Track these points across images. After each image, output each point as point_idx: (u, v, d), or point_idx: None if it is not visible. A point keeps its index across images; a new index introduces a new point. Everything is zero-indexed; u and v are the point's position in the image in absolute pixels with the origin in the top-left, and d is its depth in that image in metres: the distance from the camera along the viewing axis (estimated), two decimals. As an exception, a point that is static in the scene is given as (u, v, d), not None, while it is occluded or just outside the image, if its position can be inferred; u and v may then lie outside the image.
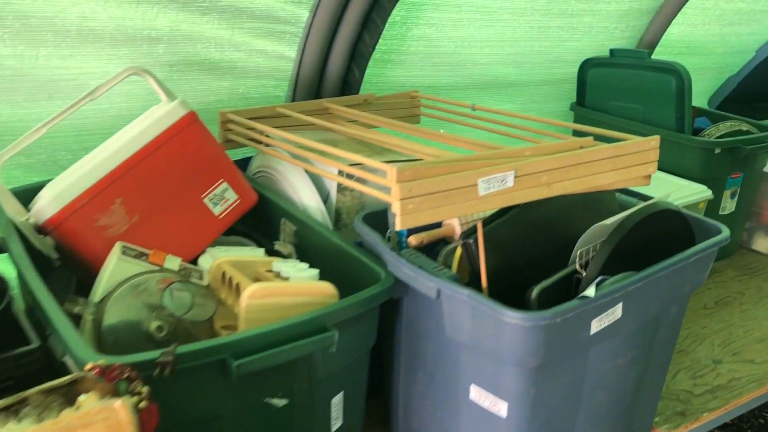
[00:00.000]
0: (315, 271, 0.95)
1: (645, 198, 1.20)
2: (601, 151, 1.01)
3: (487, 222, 0.93)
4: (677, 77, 1.68)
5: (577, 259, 0.93)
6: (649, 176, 1.09)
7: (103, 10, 1.17)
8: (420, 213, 0.86)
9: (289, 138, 1.14)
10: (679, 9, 1.97)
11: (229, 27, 1.31)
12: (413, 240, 0.99)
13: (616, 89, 1.86)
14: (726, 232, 1.06)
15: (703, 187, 1.64)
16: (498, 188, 0.92)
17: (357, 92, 1.54)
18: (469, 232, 0.92)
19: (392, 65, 1.62)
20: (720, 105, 2.37)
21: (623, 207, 1.16)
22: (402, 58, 1.62)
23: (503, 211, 0.96)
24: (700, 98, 2.41)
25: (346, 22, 1.42)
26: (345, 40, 1.44)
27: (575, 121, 2.00)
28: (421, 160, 1.20)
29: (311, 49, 1.44)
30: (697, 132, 1.81)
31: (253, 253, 1.12)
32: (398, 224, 0.85)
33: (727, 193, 1.77)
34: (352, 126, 1.39)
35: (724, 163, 1.71)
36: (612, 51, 1.84)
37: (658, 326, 1.03)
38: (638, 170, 1.07)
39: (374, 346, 0.99)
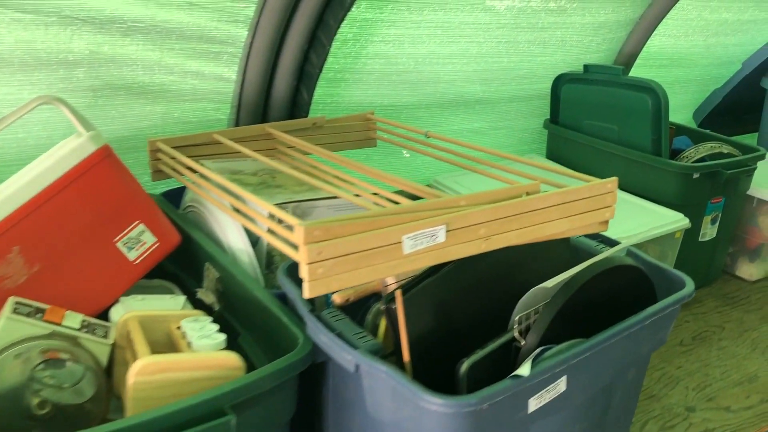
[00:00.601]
0: (221, 338, 0.84)
1: (608, 241, 1.10)
2: (549, 197, 0.91)
3: (416, 281, 0.82)
4: (653, 96, 1.57)
5: (516, 325, 0.82)
6: (605, 222, 0.99)
7: (8, 32, 1.06)
8: (333, 278, 0.76)
9: (209, 176, 1.03)
10: (660, 20, 1.86)
11: (156, 48, 1.20)
12: (337, 298, 0.88)
13: (590, 107, 1.75)
14: (690, 286, 0.95)
15: (680, 216, 1.53)
16: (427, 245, 0.81)
17: (306, 114, 1.43)
18: (393, 295, 0.81)
19: (347, 84, 1.51)
20: (705, 118, 2.26)
21: (581, 252, 1.06)
22: (357, 77, 1.51)
23: (437, 268, 0.85)
24: (684, 111, 2.30)
25: (290, 42, 1.31)
26: (290, 60, 1.33)
27: (548, 140, 1.89)
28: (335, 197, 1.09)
29: (253, 69, 1.33)
30: (675, 153, 1.71)
31: (172, 303, 1.01)
32: (306, 291, 0.74)
33: (708, 218, 1.67)
34: (293, 153, 1.28)
35: (704, 188, 1.60)
36: (586, 66, 1.73)
37: (612, 393, 0.92)
38: (593, 216, 0.96)
39: (302, 409, 0.89)
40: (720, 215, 1.69)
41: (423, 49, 1.53)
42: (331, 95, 1.51)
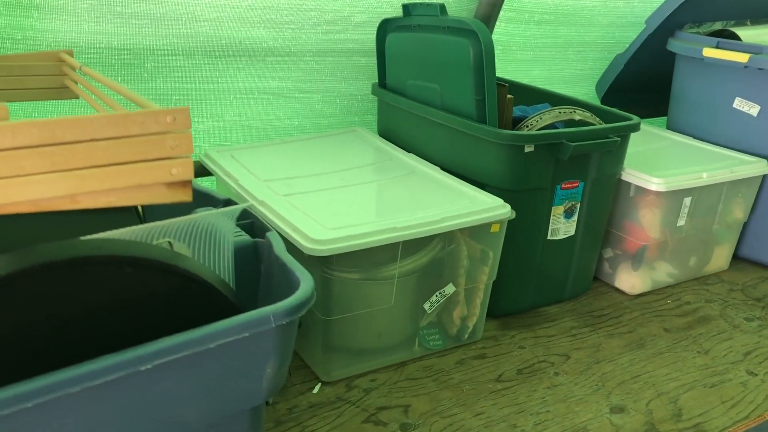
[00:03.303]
0: None
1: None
2: (16, 130, 0.49)
3: None
4: (474, 42, 1.15)
5: None
6: (185, 184, 0.57)
7: None
8: None
9: None
10: (524, -43, 1.45)
11: None
12: None
13: (413, 62, 1.33)
14: (304, 291, 0.53)
15: (498, 202, 1.11)
16: None
17: (-42, 49, 1.03)
18: None
19: (42, 14, 1.11)
20: (609, 93, 1.83)
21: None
22: (56, 3, 1.10)
23: None
24: (584, 84, 1.88)
25: None
26: None
27: (379, 110, 1.47)
28: None
29: None
30: (517, 123, 1.28)
31: None
32: None
33: (558, 210, 1.24)
34: None
35: (544, 167, 1.18)
36: (405, 6, 1.32)
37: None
38: (144, 174, 0.55)
39: None
40: (578, 206, 1.26)
41: (152, -32, 1.13)
42: (22, 28, 1.11)
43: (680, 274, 1.47)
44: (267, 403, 1.02)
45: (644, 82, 1.83)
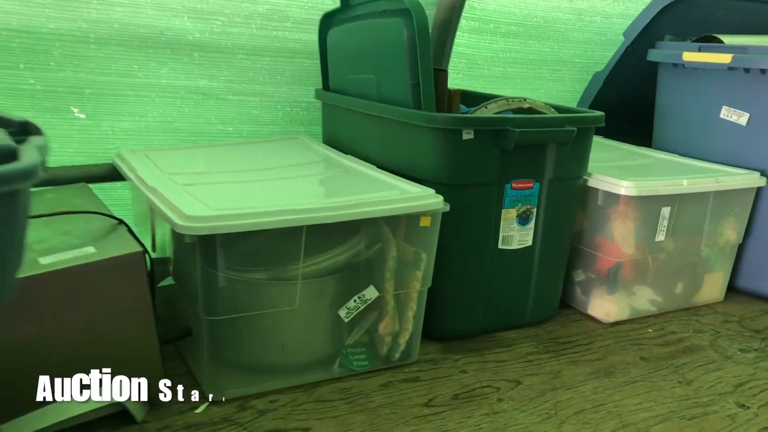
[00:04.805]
0: None
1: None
2: None
3: None
4: (408, 21, 1.02)
5: None
6: None
7: None
8: None
9: None
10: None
11: None
12: None
13: (351, 55, 1.21)
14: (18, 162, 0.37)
15: (428, 191, 0.96)
16: None
17: None
18: None
19: (-73, -15, 1.01)
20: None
21: None
22: (-58, -28, 1.00)
23: None
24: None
25: None
26: None
27: (323, 116, 1.34)
28: None
29: None
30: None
31: None
32: None
33: (510, 213, 1.08)
34: None
35: (488, 159, 1.02)
36: (342, -5, 1.21)
37: None
38: None
39: None
40: (534, 211, 1.10)
41: (52, -61, 1.03)
42: None
43: (665, 302, 1.27)
44: (136, 422, 0.84)
45: (629, 108, 1.68)
